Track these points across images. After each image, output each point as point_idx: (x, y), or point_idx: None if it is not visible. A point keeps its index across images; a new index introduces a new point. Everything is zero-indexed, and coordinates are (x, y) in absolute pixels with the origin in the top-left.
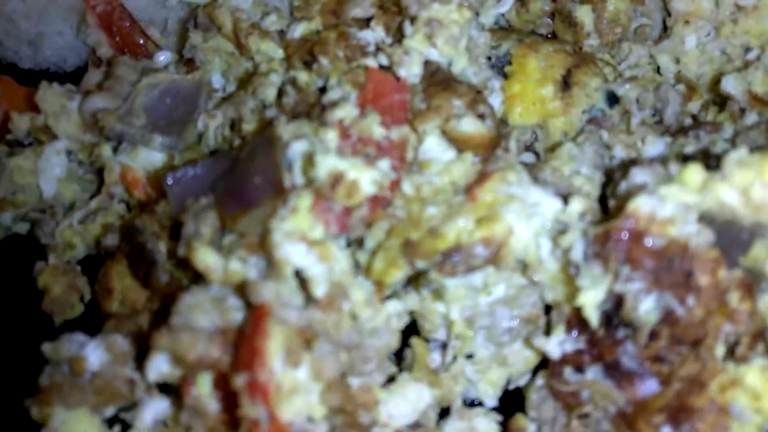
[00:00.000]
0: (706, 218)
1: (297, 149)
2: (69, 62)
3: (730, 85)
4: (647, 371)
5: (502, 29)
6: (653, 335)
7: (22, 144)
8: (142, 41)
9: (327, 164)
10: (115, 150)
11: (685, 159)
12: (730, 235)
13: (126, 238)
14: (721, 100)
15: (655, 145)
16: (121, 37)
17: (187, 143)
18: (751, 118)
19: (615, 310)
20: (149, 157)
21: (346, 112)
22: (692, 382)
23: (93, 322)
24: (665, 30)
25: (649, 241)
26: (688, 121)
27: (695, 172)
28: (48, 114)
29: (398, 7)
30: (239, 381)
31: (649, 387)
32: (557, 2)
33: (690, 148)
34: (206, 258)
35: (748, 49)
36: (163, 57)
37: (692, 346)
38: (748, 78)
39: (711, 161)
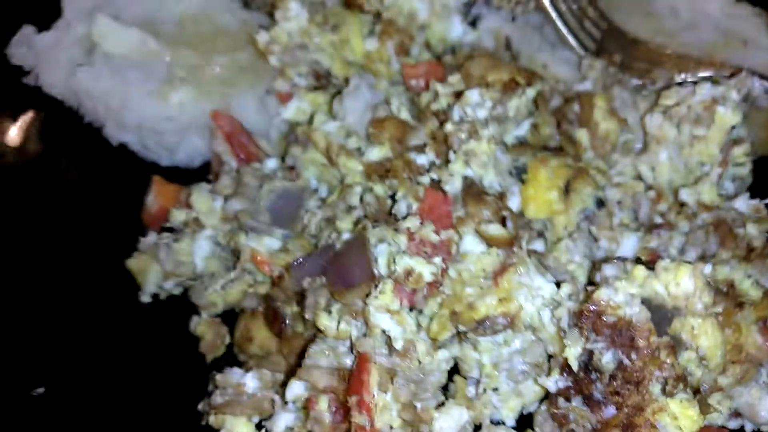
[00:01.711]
0: (645, 302)
1: (381, 249)
2: (195, 162)
3: (685, 194)
4: (609, 401)
5: (522, 145)
6: (612, 378)
7: (177, 230)
8: (254, 150)
9: (402, 262)
10: (246, 236)
11: (638, 261)
12: (659, 314)
13: (265, 302)
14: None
15: (630, 239)
16: (240, 147)
17: (295, 233)
18: (700, 220)
19: (588, 361)
20: (270, 243)
21: (412, 223)
22: (636, 408)
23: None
24: (645, 145)
25: (607, 318)
26: (658, 219)
27: (640, 271)
28: (199, 211)
29: (445, 140)
30: (352, 400)
31: (609, 411)
32: (561, 126)
33: (654, 242)
34: (324, 320)
35: (702, 165)
36: (271, 163)
37: (636, 386)
38: (698, 189)
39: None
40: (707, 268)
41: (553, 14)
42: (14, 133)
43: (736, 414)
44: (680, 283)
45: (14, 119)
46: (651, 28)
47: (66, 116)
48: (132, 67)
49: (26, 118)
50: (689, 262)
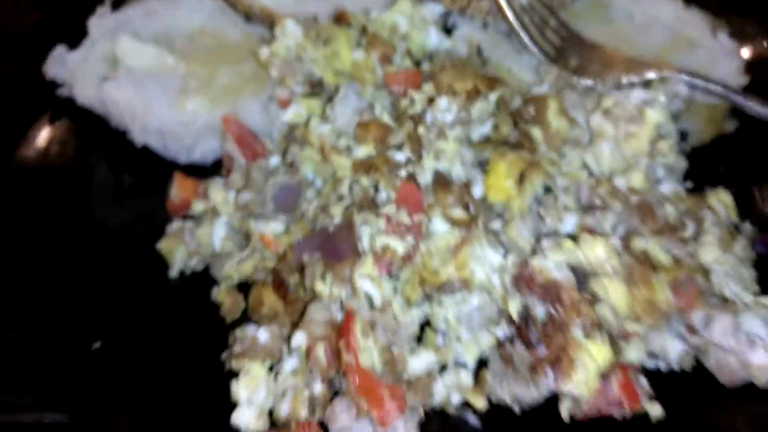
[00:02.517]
0: (570, 267)
1: (365, 230)
2: (209, 159)
3: (618, 181)
4: (541, 343)
5: (486, 141)
6: (543, 325)
7: (198, 218)
8: (259, 149)
9: (380, 240)
10: (255, 222)
11: (568, 236)
12: (581, 276)
13: (273, 274)
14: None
15: (570, 218)
16: (247, 147)
17: (296, 218)
18: (630, 202)
19: (525, 313)
20: (275, 227)
21: (390, 209)
22: (561, 348)
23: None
24: (591, 139)
25: (539, 280)
26: (597, 201)
27: (568, 243)
28: (215, 201)
29: (419, 140)
30: (341, 343)
31: (542, 351)
32: (519, 125)
33: (590, 220)
34: (320, 286)
35: (635, 156)
36: (274, 160)
37: (561, 330)
38: (629, 176)
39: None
40: (616, 241)
41: (516, 26)
42: (53, 137)
43: (653, 355)
44: (596, 252)
45: (52, 125)
46: (608, 33)
47: (96, 123)
48: (151, 80)
49: (62, 124)
50: (604, 236)
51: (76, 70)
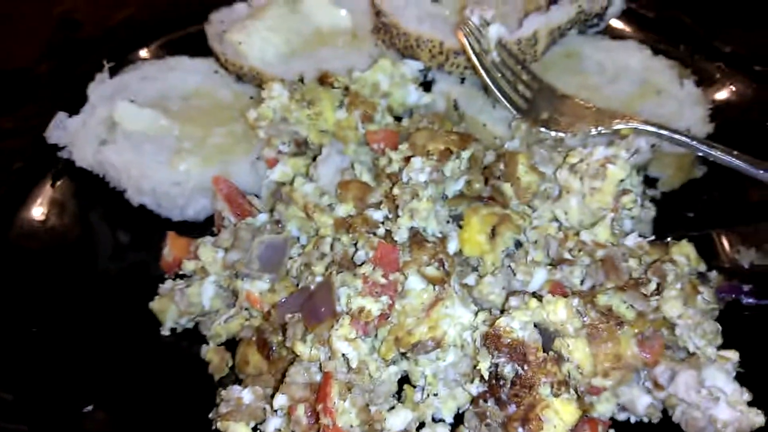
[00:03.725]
0: (537, 326)
1: (342, 291)
2: (201, 217)
3: (584, 235)
4: (511, 401)
5: (460, 196)
6: (512, 384)
7: (189, 276)
8: (248, 207)
9: (357, 302)
10: (242, 281)
11: (534, 294)
12: (546, 335)
13: (257, 333)
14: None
15: (540, 273)
16: (236, 206)
17: (281, 276)
18: (599, 255)
19: (495, 372)
20: (261, 285)
21: (366, 269)
22: (530, 406)
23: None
24: (560, 193)
25: (505, 340)
26: (567, 255)
27: (533, 302)
28: (204, 261)
29: (394, 199)
30: (319, 407)
31: (512, 409)
32: (490, 181)
33: (558, 275)
34: (300, 347)
35: (601, 210)
36: (262, 217)
37: (529, 389)
38: (594, 231)
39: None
40: (575, 301)
41: (488, 82)
42: (53, 197)
43: (623, 408)
44: (558, 312)
45: (53, 186)
46: (579, 83)
47: (94, 183)
48: (147, 141)
49: (62, 184)
50: (565, 296)
51: (75, 134)
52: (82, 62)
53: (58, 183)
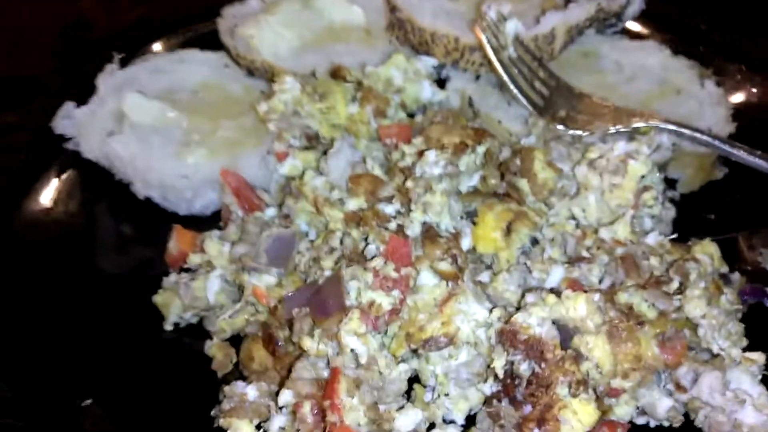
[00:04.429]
0: (555, 323)
1: (352, 285)
2: (209, 210)
3: (603, 232)
4: (527, 401)
5: (474, 192)
6: (528, 383)
7: (194, 270)
8: (257, 201)
9: (367, 295)
10: (249, 275)
11: (551, 291)
12: (564, 332)
13: (263, 328)
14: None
15: (556, 271)
16: (245, 199)
17: (288, 271)
18: (618, 252)
19: (511, 370)
20: (268, 280)
21: (377, 262)
22: (547, 406)
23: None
24: (577, 190)
25: (522, 336)
26: (585, 253)
27: (551, 299)
28: (211, 255)
29: (408, 192)
30: (326, 404)
31: (528, 409)
32: (506, 176)
33: (576, 273)
34: (307, 342)
35: (620, 207)
36: (270, 211)
37: (546, 389)
38: (614, 228)
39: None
40: (596, 297)
41: (505, 78)
42: (58, 189)
43: (643, 411)
44: (577, 308)
45: (59, 177)
46: (597, 82)
47: (100, 175)
48: (155, 134)
49: (68, 176)
50: (585, 292)
51: (83, 125)
52: (90, 60)
53: (64, 174)
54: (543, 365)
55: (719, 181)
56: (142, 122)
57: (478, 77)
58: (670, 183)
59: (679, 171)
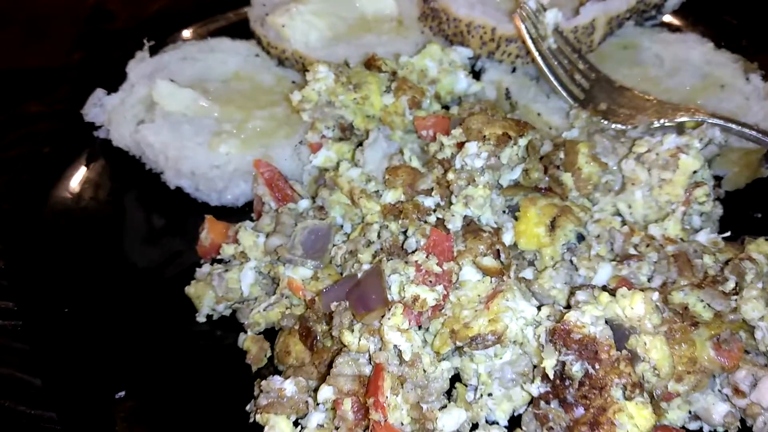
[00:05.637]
0: (608, 322)
1: (394, 279)
2: (240, 202)
3: (653, 229)
4: (578, 403)
5: (516, 186)
6: (580, 384)
7: (227, 261)
8: (290, 192)
9: (410, 290)
10: (284, 267)
11: (604, 288)
12: (619, 332)
13: (300, 322)
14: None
15: (604, 269)
16: (278, 191)
17: (324, 264)
18: (665, 251)
19: (561, 370)
20: (304, 272)
21: (419, 256)
22: (600, 409)
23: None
24: (623, 185)
25: (575, 336)
26: (632, 251)
27: (604, 297)
28: (245, 246)
29: (448, 185)
30: (369, 401)
31: (579, 412)
32: (549, 170)
33: (625, 271)
34: (348, 337)
35: (670, 203)
36: (304, 203)
37: (600, 391)
38: (664, 225)
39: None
40: (655, 296)
41: (545, 69)
42: (88, 177)
43: (696, 417)
44: (634, 307)
45: (88, 166)
46: (637, 75)
47: (130, 164)
48: (186, 123)
49: (98, 165)
50: (642, 290)
51: (113, 113)
52: (115, 50)
53: (94, 163)
54: (597, 366)
55: (766, 179)
56: (173, 110)
57: (514, 69)
58: (715, 181)
59: (725, 168)
